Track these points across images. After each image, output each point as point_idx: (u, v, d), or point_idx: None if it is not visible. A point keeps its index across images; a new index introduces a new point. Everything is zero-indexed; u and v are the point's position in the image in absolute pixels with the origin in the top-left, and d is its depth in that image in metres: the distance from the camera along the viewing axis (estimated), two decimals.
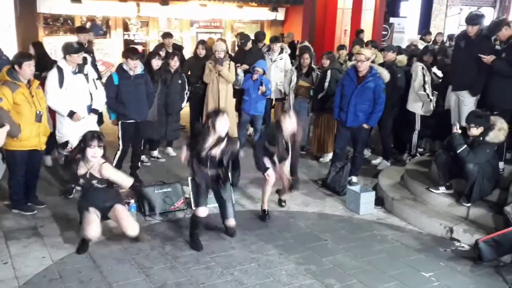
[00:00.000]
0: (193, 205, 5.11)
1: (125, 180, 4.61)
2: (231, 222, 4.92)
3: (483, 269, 4.47)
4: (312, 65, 7.90)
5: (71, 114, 5.54)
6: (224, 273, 4.23)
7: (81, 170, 4.40)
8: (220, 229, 5.11)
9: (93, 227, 4.38)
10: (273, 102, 8.73)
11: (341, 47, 10.04)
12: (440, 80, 7.40)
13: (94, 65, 7.84)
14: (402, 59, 7.60)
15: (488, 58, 5.74)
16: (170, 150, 7.76)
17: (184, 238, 4.84)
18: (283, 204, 5.83)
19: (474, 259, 4.60)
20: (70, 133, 5.55)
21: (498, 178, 5.36)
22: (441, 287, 4.15)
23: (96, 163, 4.40)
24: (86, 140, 4.33)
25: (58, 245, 4.63)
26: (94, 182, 4.43)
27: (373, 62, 6.56)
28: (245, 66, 8.21)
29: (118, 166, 5.99)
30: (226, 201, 4.91)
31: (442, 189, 5.60)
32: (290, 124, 5.23)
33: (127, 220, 4.53)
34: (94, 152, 4.33)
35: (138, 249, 4.58)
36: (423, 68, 6.93)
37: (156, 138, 7.29)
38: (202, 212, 4.71)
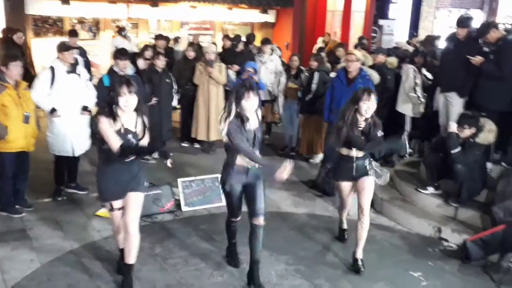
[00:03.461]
0: (228, 211, 4.30)
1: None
2: (261, 220, 4.04)
3: (471, 269, 4.51)
4: (301, 67, 7.94)
5: (52, 111, 5.48)
6: (214, 275, 4.23)
7: (114, 128, 3.63)
8: (209, 230, 5.11)
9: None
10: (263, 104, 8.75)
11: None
12: (430, 82, 7.46)
13: (88, 67, 7.85)
14: (393, 61, 7.66)
15: (477, 60, 5.79)
16: None
17: (176, 240, 4.83)
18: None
19: (462, 259, 4.64)
20: (61, 134, 5.53)
21: (486, 178, 5.41)
22: (430, 287, 4.18)
23: (131, 114, 3.69)
24: (115, 88, 3.61)
25: (47, 248, 4.60)
26: (130, 136, 3.66)
27: (363, 64, 6.60)
28: (236, 67, 8.22)
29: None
30: (259, 194, 4.04)
31: (431, 190, 5.64)
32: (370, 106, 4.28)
33: (135, 214, 3.83)
34: (126, 100, 3.59)
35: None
36: (414, 70, 6.98)
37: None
38: (236, 218, 4.28)
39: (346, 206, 4.80)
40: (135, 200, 3.80)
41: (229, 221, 4.32)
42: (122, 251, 3.97)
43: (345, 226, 4.99)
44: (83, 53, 7.94)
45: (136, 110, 3.69)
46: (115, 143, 3.56)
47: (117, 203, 3.81)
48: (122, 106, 3.61)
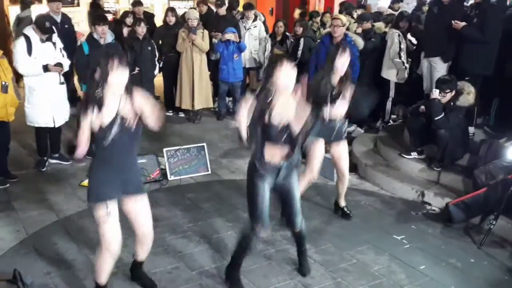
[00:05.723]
0: (254, 221, 3.42)
1: (156, 110, 3.11)
2: (300, 224, 3.61)
3: (453, 231, 4.61)
4: (286, 33, 7.86)
5: (46, 68, 5.35)
6: (201, 242, 4.27)
7: (106, 119, 2.96)
8: (196, 198, 5.14)
9: (117, 239, 3.13)
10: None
11: (316, 14, 9.96)
12: (414, 47, 7.44)
13: (73, 36, 7.61)
14: (380, 26, 7.61)
15: (457, 25, 5.77)
16: None
17: (162, 209, 4.84)
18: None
19: (444, 222, 4.74)
20: (40, 104, 5.44)
21: (468, 142, 5.48)
22: (413, 249, 4.27)
23: (124, 96, 3.01)
24: (102, 66, 2.92)
25: (33, 219, 4.59)
26: (129, 123, 3.00)
27: (347, 29, 6.55)
28: (220, 35, 8.09)
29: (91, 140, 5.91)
30: (297, 201, 3.52)
31: (414, 155, 5.71)
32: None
33: (150, 220, 3.31)
34: (122, 76, 2.95)
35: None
36: (399, 35, 6.94)
37: None
38: (265, 232, 3.43)
39: (315, 169, 4.54)
40: (144, 205, 3.24)
41: (250, 234, 3.42)
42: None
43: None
44: (67, 20, 7.70)
45: (128, 92, 3.01)
46: (79, 144, 2.95)
47: (113, 206, 3.08)
48: (115, 85, 2.92)
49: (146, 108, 3.03)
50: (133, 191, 3.17)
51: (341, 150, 4.60)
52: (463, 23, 5.74)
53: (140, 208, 3.22)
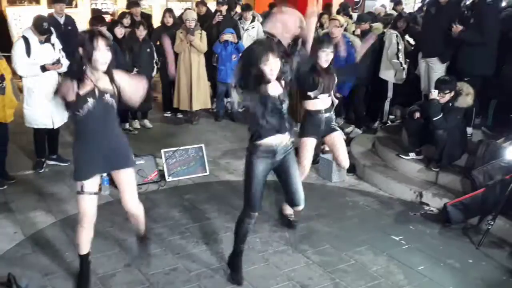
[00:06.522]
0: (246, 201, 3.54)
1: (138, 84, 3.37)
2: (302, 203, 3.69)
3: (451, 232, 4.61)
4: None
5: (44, 68, 5.33)
6: (200, 243, 4.27)
7: (84, 89, 3.10)
8: (194, 200, 5.13)
9: (89, 214, 3.33)
10: None
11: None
12: (412, 48, 7.45)
13: (75, 37, 7.58)
14: (378, 26, 7.62)
15: (455, 29, 5.76)
16: (146, 122, 7.70)
17: (160, 210, 4.85)
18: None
19: (442, 222, 4.74)
20: (39, 106, 5.43)
21: (466, 143, 5.49)
22: (411, 250, 4.27)
23: (103, 74, 3.16)
24: (86, 43, 3.05)
25: (30, 220, 4.57)
26: (107, 96, 3.14)
27: (345, 30, 6.56)
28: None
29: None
30: (296, 179, 3.58)
31: (412, 155, 5.71)
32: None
33: (133, 193, 3.49)
34: (104, 56, 3.08)
35: (112, 221, 4.57)
36: (397, 36, 6.94)
37: (127, 108, 7.20)
38: (256, 210, 3.53)
39: (307, 169, 4.57)
40: (128, 179, 3.41)
41: (244, 217, 3.57)
42: (83, 258, 3.51)
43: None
44: (70, 22, 7.70)
45: (107, 71, 3.16)
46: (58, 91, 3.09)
47: (89, 185, 3.25)
48: (98, 62, 3.05)
49: (124, 81, 3.25)
50: (119, 166, 3.34)
51: (334, 141, 4.56)
52: (461, 27, 5.73)
53: (123, 181, 3.40)
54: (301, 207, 3.71)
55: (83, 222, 3.34)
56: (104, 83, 3.16)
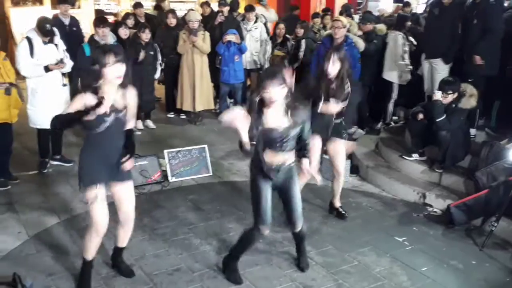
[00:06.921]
0: (256, 219, 3.53)
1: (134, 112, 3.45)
2: (300, 224, 3.68)
3: (455, 233, 4.61)
4: (286, 35, 7.87)
5: (47, 68, 5.33)
6: (203, 243, 4.27)
7: (101, 108, 3.09)
8: (197, 200, 5.14)
9: (104, 221, 3.37)
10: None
11: (315, 15, 9.98)
12: (415, 48, 7.44)
13: (81, 38, 7.60)
14: (382, 27, 7.61)
15: (475, 59, 5.72)
16: (149, 122, 7.71)
17: (164, 210, 4.85)
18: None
19: (446, 224, 4.73)
20: (42, 106, 5.44)
21: (470, 144, 5.48)
22: (414, 251, 4.27)
23: (117, 88, 3.22)
24: (99, 60, 3.09)
25: (34, 220, 4.59)
26: (121, 114, 3.24)
27: (348, 31, 6.55)
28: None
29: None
30: (296, 201, 3.58)
31: (415, 156, 5.71)
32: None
33: (132, 204, 3.55)
34: (118, 70, 3.13)
35: (116, 222, 4.56)
36: (403, 37, 6.92)
37: None
38: (267, 229, 3.52)
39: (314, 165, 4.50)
40: (130, 190, 3.50)
41: (253, 231, 3.54)
42: (88, 263, 3.53)
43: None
44: (75, 23, 7.72)
45: (122, 84, 3.22)
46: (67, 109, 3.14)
47: (102, 191, 3.31)
48: (111, 78, 3.11)
49: (131, 107, 3.33)
50: (120, 178, 3.40)
51: (337, 148, 4.59)
52: (478, 58, 5.70)
53: (124, 193, 3.46)
54: (298, 227, 3.66)
55: (98, 231, 3.37)
56: (118, 98, 3.22)
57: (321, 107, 4.34)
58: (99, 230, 3.36)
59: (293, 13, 10.58)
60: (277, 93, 3.22)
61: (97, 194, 3.26)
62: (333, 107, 4.34)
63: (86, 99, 3.11)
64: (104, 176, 3.33)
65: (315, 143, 4.47)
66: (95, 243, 3.44)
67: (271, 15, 10.12)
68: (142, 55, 6.72)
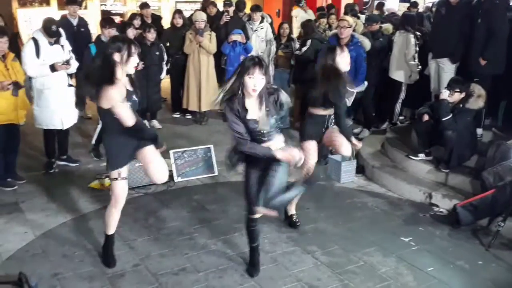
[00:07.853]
0: (246, 202, 3.70)
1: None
2: (260, 208, 3.58)
3: (461, 233, 4.58)
4: (291, 35, 7.86)
5: (53, 68, 5.33)
6: (208, 243, 4.27)
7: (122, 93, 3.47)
8: (203, 200, 5.14)
9: (123, 197, 3.73)
10: None
11: (322, 15, 9.96)
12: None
13: (89, 38, 7.62)
14: (388, 27, 7.58)
15: (482, 62, 5.69)
16: (155, 122, 7.73)
17: (169, 210, 4.86)
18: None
19: (452, 224, 4.71)
20: (48, 107, 5.47)
21: (476, 144, 5.45)
22: (420, 251, 4.25)
23: (127, 77, 3.61)
24: (123, 48, 3.43)
25: (40, 220, 4.61)
26: (134, 96, 3.63)
27: (354, 30, 6.54)
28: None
29: (98, 141, 5.96)
30: (274, 177, 3.49)
31: (421, 156, 5.68)
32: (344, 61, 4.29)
33: (158, 163, 3.77)
34: (136, 61, 3.55)
35: (122, 222, 4.56)
36: (414, 37, 6.87)
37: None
38: (255, 208, 3.60)
39: (312, 168, 4.38)
40: (151, 153, 3.70)
41: (248, 219, 3.73)
42: (110, 236, 3.87)
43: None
44: (83, 24, 7.75)
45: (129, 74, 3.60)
46: (129, 120, 3.44)
47: (123, 172, 3.67)
48: (131, 67, 3.49)
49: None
50: (142, 145, 3.69)
51: (331, 132, 4.37)
52: (484, 62, 5.68)
53: (147, 156, 3.70)
54: (260, 208, 3.53)
55: (117, 204, 3.73)
56: (128, 85, 3.60)
57: (313, 109, 4.31)
58: (118, 201, 3.71)
59: None
60: (260, 81, 3.28)
61: (120, 173, 3.64)
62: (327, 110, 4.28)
63: (119, 95, 3.42)
64: (130, 156, 3.68)
65: (310, 148, 4.38)
66: (115, 217, 3.79)
67: (310, 16, 10.16)
68: (140, 65, 6.70)
